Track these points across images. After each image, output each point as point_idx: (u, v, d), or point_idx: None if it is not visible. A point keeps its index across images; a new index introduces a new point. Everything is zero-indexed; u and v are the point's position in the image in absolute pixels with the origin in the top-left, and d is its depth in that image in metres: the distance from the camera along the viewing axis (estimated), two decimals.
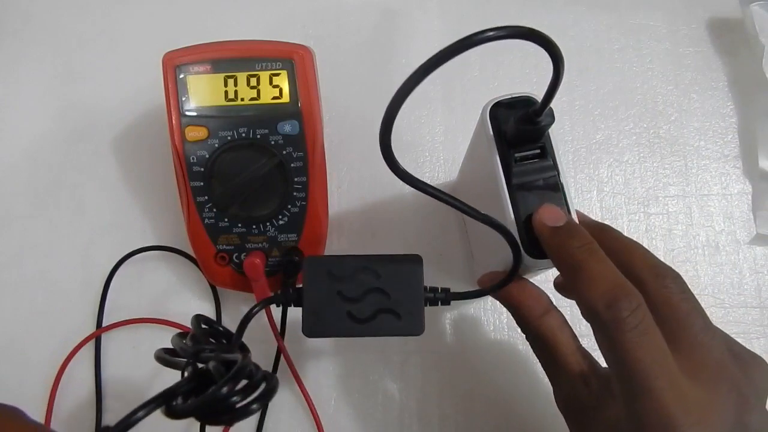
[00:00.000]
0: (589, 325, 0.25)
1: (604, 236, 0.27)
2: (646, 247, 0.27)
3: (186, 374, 0.26)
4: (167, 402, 0.23)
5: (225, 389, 0.24)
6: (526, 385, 0.39)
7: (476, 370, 0.40)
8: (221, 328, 0.32)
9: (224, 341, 0.31)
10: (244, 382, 0.25)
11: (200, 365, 0.26)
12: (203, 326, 0.31)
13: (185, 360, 0.27)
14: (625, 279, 0.24)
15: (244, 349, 0.31)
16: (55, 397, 0.39)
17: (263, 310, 0.37)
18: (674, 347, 0.24)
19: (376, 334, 0.29)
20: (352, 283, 0.29)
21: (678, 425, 0.22)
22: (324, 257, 0.30)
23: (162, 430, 0.39)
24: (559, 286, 0.34)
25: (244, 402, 0.24)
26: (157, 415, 0.23)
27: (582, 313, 0.25)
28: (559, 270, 0.27)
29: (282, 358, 0.38)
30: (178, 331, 0.40)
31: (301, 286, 0.30)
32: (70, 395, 0.39)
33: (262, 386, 0.26)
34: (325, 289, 0.29)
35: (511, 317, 0.30)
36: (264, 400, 0.25)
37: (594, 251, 0.25)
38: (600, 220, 0.42)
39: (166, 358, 0.29)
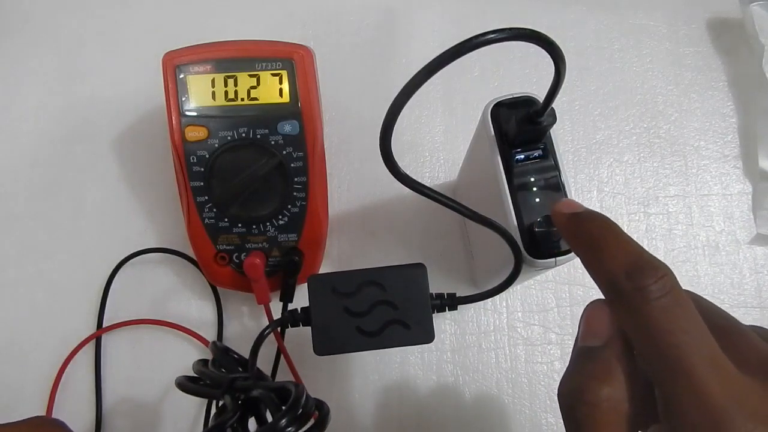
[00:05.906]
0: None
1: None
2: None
3: (224, 404, 0.26)
4: None
5: (284, 421, 0.23)
6: (526, 385, 0.39)
7: (476, 369, 0.40)
8: (236, 356, 0.32)
9: (239, 367, 0.31)
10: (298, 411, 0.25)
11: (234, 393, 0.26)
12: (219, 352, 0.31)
13: (218, 389, 0.27)
14: (650, 254, 0.21)
15: (261, 374, 0.31)
16: (55, 397, 0.39)
17: (262, 307, 0.38)
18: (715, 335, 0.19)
19: (387, 346, 0.29)
20: (357, 297, 0.29)
21: (729, 419, 0.17)
22: (326, 274, 0.30)
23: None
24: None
25: None
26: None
27: (603, 293, 0.21)
28: (578, 255, 0.23)
29: (282, 358, 0.38)
30: (181, 333, 0.40)
31: (307, 305, 0.30)
32: (70, 395, 0.39)
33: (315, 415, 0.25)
34: (332, 307, 0.29)
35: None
36: (319, 430, 0.24)
37: (612, 227, 0.22)
38: None
39: (194, 388, 0.28)
